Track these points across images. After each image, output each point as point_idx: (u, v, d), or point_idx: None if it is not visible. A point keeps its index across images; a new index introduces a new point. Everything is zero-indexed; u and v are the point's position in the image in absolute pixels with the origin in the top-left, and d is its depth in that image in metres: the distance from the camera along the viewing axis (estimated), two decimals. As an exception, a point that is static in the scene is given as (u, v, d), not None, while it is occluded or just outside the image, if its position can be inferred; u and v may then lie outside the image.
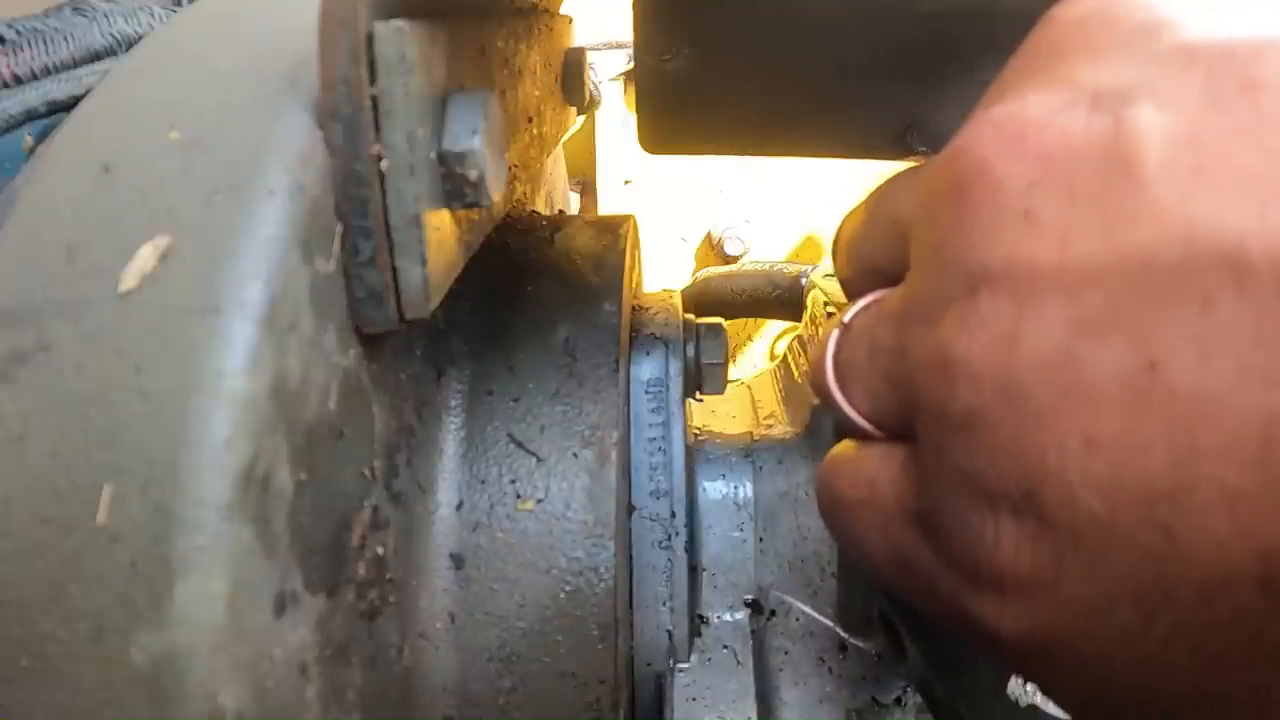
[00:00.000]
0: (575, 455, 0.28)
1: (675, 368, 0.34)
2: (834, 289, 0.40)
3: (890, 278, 0.25)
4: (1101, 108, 0.19)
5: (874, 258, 0.26)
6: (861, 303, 0.25)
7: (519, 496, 0.28)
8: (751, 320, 1.18)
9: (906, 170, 0.26)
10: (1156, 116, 0.18)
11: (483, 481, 0.28)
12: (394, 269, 0.20)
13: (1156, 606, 0.18)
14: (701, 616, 0.35)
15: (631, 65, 1.02)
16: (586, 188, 1.26)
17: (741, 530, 0.36)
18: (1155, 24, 0.20)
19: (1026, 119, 0.20)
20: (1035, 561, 0.19)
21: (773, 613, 0.36)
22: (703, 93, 0.41)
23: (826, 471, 0.26)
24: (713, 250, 1.26)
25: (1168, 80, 0.19)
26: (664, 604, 0.33)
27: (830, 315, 0.38)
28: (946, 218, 0.21)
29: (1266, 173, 0.17)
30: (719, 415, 0.41)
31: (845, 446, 0.26)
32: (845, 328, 0.26)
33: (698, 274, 0.71)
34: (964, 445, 0.20)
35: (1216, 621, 0.17)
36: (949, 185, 0.21)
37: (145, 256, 0.18)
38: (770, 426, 0.39)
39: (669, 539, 0.33)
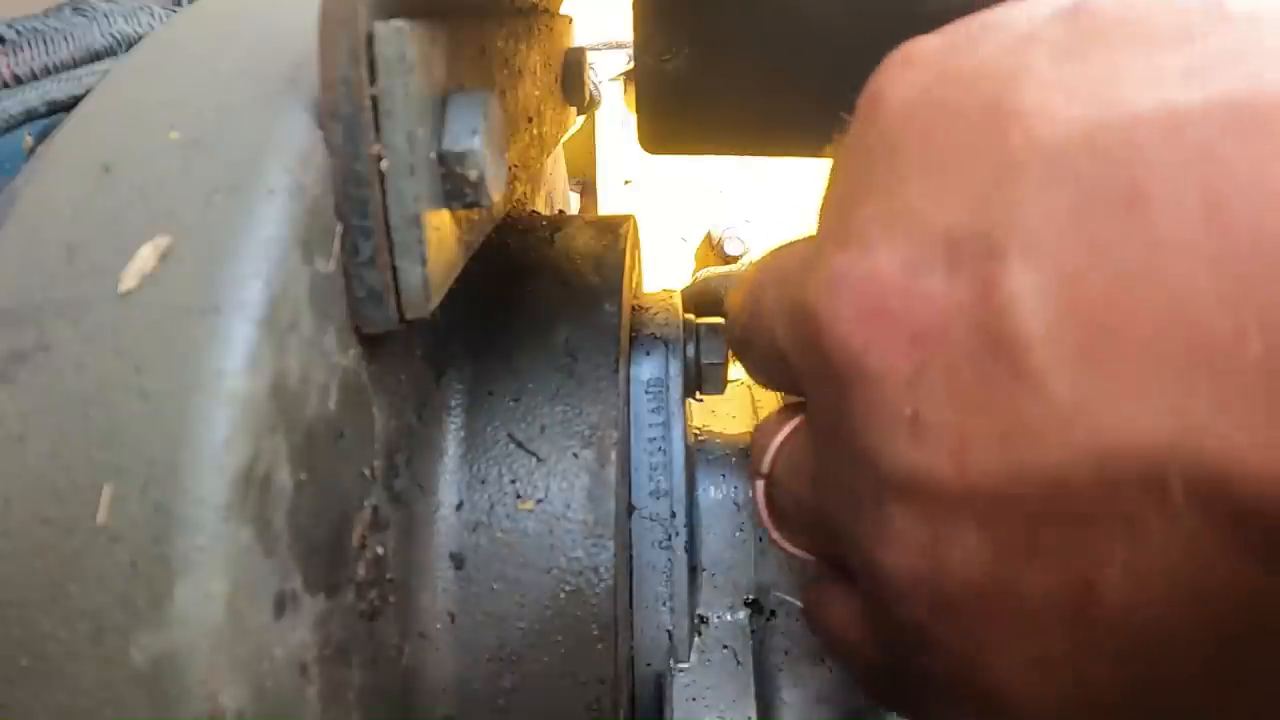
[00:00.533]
0: (575, 455, 0.28)
1: (675, 368, 0.34)
2: None
3: (796, 389, 0.23)
4: (962, 268, 0.16)
5: (773, 372, 0.24)
6: (773, 448, 0.24)
7: (519, 496, 0.28)
8: (751, 320, 1.18)
9: (784, 255, 0.23)
10: (1028, 280, 0.15)
11: (483, 481, 0.28)
12: (394, 269, 0.20)
13: None
14: (701, 616, 0.35)
15: (631, 65, 1.02)
16: (586, 188, 1.26)
17: (741, 530, 0.36)
18: (998, 114, 0.16)
19: (883, 284, 0.17)
20: None
21: (773, 613, 0.36)
22: (703, 93, 0.41)
23: (808, 604, 0.26)
24: (713, 250, 1.26)
25: (1030, 215, 0.15)
26: (664, 604, 0.33)
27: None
28: (829, 406, 0.19)
29: (1170, 344, 0.14)
30: (719, 415, 0.41)
31: (814, 583, 0.25)
32: (767, 478, 0.25)
33: (698, 274, 0.71)
34: (919, 651, 0.19)
35: None
36: (821, 366, 0.19)
37: (145, 256, 0.18)
38: (770, 426, 0.39)
39: (669, 539, 0.33)
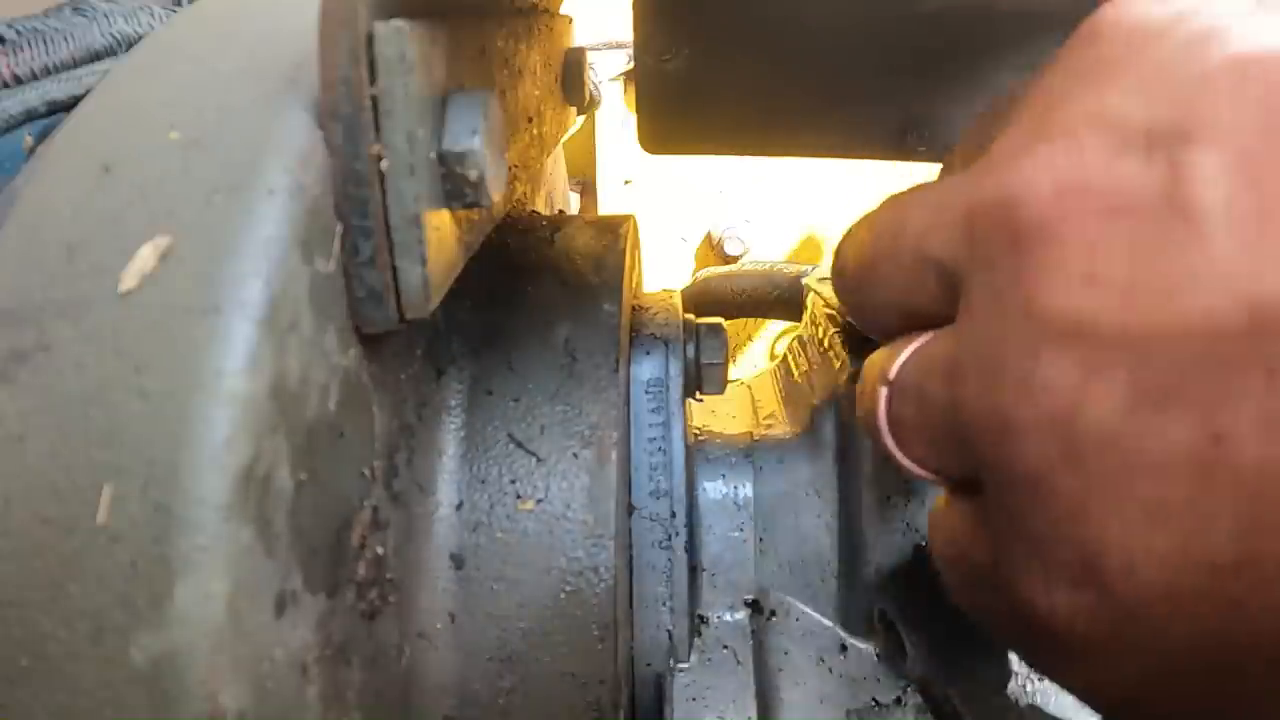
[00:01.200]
0: (575, 455, 0.28)
1: (675, 368, 0.34)
2: (831, 293, 0.40)
3: (925, 318, 0.24)
4: (1158, 151, 0.18)
5: (903, 295, 0.25)
6: (904, 354, 0.24)
7: (519, 496, 0.28)
8: (751, 320, 1.18)
9: (921, 193, 0.25)
10: (1214, 158, 0.17)
11: (483, 481, 0.28)
12: (394, 269, 0.20)
13: (1226, 678, 0.17)
14: (701, 616, 0.35)
15: (631, 65, 1.02)
16: (586, 188, 1.26)
17: (741, 530, 0.36)
18: (1203, 35, 0.19)
19: (1085, 168, 0.19)
20: (1090, 632, 0.19)
21: (773, 613, 0.36)
22: (703, 93, 0.41)
23: (930, 529, 0.26)
24: (713, 250, 1.26)
25: (1221, 108, 0.18)
26: (664, 604, 0.33)
27: (832, 318, 0.38)
28: (1006, 274, 0.20)
29: None
30: (719, 415, 0.41)
31: (940, 502, 0.25)
32: (892, 383, 0.25)
33: (698, 274, 0.71)
34: (1029, 509, 0.20)
35: None
36: (1007, 236, 0.20)
37: (145, 256, 0.18)
38: (770, 426, 0.39)
39: (669, 539, 0.33)
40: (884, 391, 0.25)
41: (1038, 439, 0.19)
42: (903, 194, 0.26)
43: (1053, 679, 0.22)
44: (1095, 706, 0.22)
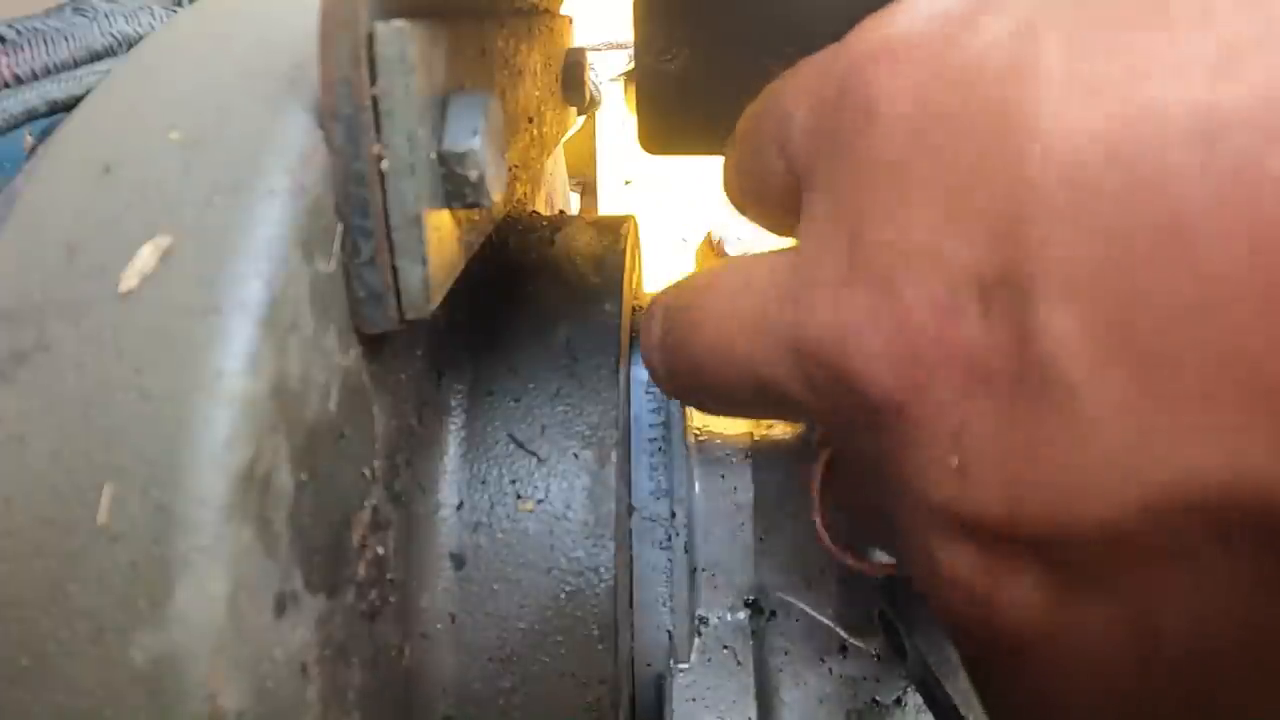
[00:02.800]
0: (575, 455, 0.28)
1: (675, 368, 0.34)
2: None
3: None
4: (996, 307, 0.15)
5: (757, 405, 0.22)
6: (815, 487, 0.24)
7: (519, 497, 0.28)
8: (751, 320, 1.18)
9: (728, 300, 0.21)
10: (1064, 319, 0.14)
11: (483, 482, 0.28)
12: (394, 269, 0.20)
13: None
14: (701, 617, 0.35)
15: (631, 65, 1.02)
16: (586, 188, 1.26)
17: (741, 530, 0.36)
18: (1009, 127, 0.15)
19: (915, 330, 0.16)
20: None
21: (773, 613, 0.36)
22: (703, 93, 0.41)
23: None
24: (713, 250, 1.26)
25: (1059, 250, 0.14)
26: (664, 604, 0.33)
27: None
28: (867, 448, 0.18)
29: (1224, 385, 0.13)
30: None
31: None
32: (823, 516, 0.25)
33: (698, 274, 0.71)
34: (989, 691, 0.19)
35: None
36: (855, 412, 0.18)
37: (145, 256, 0.18)
38: (770, 426, 0.39)
39: (669, 539, 0.33)
40: (818, 522, 0.24)
41: (970, 631, 0.17)
42: (710, 286, 0.23)
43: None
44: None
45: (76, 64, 0.33)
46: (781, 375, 0.20)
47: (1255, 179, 0.12)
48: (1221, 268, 0.13)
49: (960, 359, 0.16)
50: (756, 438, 0.39)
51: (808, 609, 0.36)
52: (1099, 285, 0.14)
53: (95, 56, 0.33)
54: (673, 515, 0.33)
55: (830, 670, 0.35)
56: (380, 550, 0.23)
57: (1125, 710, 0.16)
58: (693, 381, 0.23)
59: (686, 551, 0.33)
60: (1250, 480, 0.13)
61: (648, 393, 0.34)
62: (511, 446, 0.28)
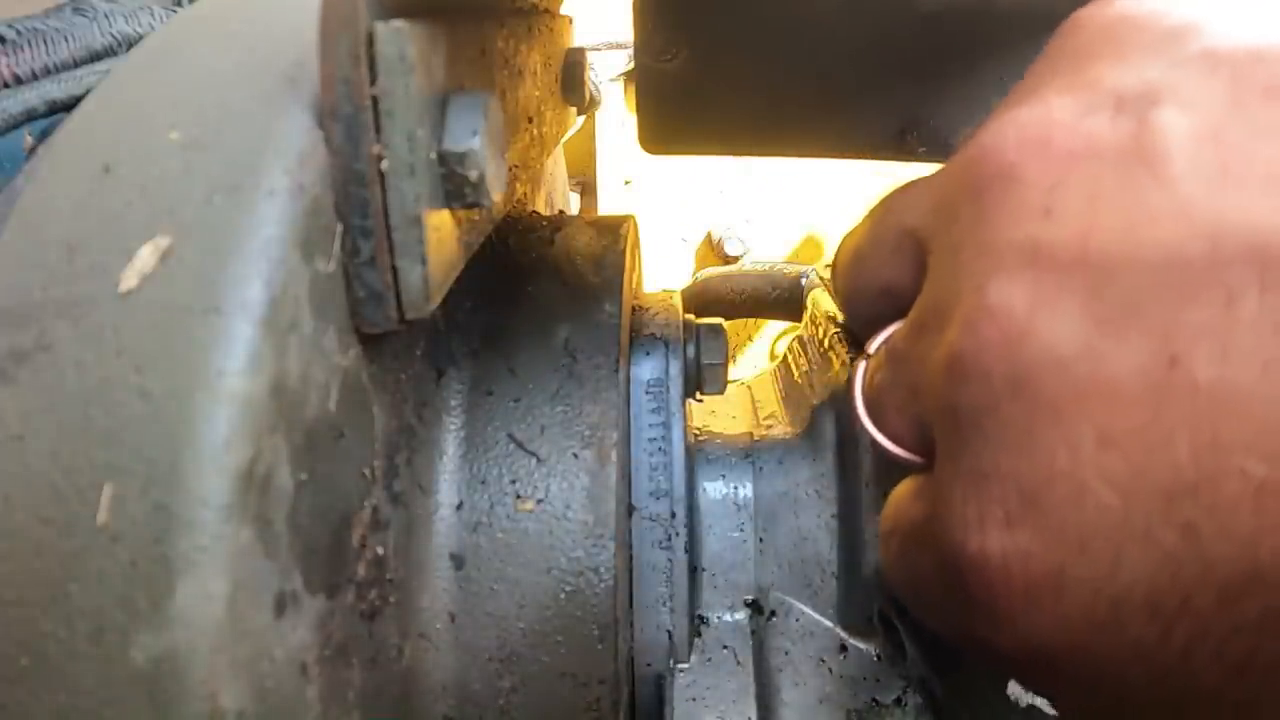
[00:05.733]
0: (575, 455, 0.28)
1: (675, 368, 0.34)
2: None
3: (902, 296, 0.24)
4: (1126, 110, 0.19)
5: (882, 274, 0.25)
6: (883, 334, 0.25)
7: (519, 497, 0.28)
8: (751, 320, 1.18)
9: (912, 182, 0.25)
10: (1181, 118, 0.18)
11: (483, 482, 0.28)
12: (394, 269, 0.20)
13: (1174, 616, 0.17)
14: (701, 617, 0.35)
15: (631, 65, 1.02)
16: (586, 188, 1.26)
17: (741, 530, 0.36)
18: (1181, 29, 0.20)
19: (1051, 121, 0.20)
20: (1029, 574, 0.18)
21: (773, 613, 0.36)
22: (703, 93, 0.41)
23: (883, 511, 0.25)
24: (713, 250, 1.26)
25: (1193, 84, 0.19)
26: (664, 604, 0.33)
27: (832, 318, 0.38)
28: (965, 219, 0.21)
29: None
30: (719, 415, 0.41)
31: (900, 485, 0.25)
32: (869, 358, 0.25)
33: (698, 274, 0.71)
34: (970, 446, 0.19)
35: (1241, 626, 0.17)
36: (969, 187, 0.21)
37: (145, 256, 0.18)
38: (770, 426, 0.39)
39: (669, 539, 0.33)
40: (861, 366, 0.25)
41: (984, 368, 0.19)
42: (888, 198, 0.26)
43: (987, 653, 0.21)
44: (1030, 681, 0.21)
45: (76, 64, 0.33)
46: (920, 211, 0.24)
47: None
48: None
49: (1080, 140, 0.19)
50: (756, 438, 0.39)
51: (808, 609, 0.36)
52: (1213, 104, 0.18)
53: (95, 56, 0.33)
54: (673, 515, 0.33)
55: (830, 670, 0.35)
56: (380, 550, 0.23)
57: (1123, 454, 0.17)
58: (855, 262, 0.27)
59: (686, 551, 0.33)
60: None
61: (648, 393, 0.34)
62: (511, 446, 0.28)
